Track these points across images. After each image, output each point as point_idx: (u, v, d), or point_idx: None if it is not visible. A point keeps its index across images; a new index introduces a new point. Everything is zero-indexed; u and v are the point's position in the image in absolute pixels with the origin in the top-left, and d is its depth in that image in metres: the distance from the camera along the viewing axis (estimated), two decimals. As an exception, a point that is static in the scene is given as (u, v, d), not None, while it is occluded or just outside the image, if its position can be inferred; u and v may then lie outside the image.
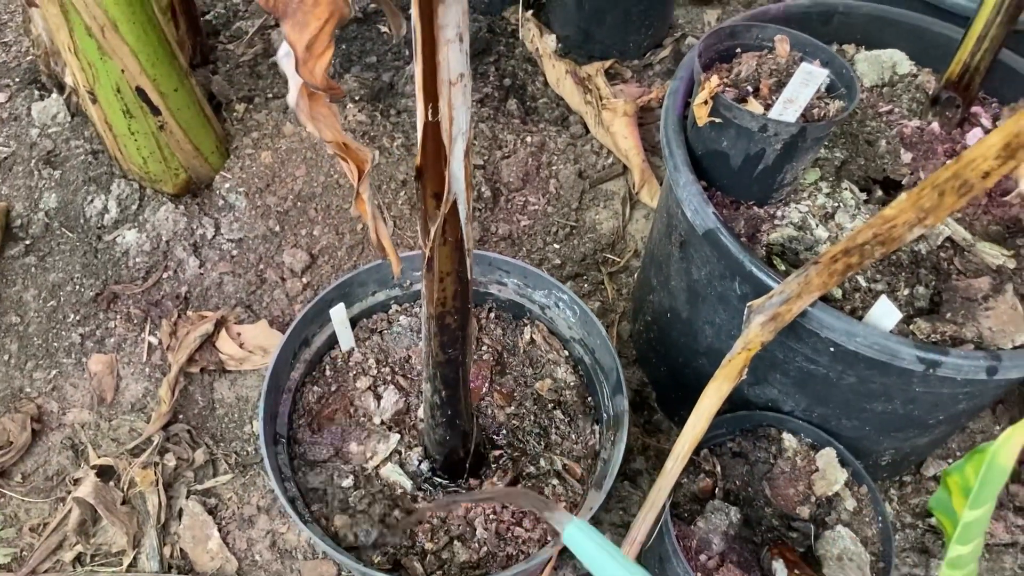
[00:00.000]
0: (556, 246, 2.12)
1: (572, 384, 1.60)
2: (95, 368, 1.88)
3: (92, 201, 2.05)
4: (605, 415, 1.54)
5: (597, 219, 2.18)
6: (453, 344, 1.19)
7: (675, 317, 1.63)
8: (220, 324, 1.93)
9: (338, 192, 2.09)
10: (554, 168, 2.22)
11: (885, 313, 1.24)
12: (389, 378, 1.58)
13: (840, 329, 1.23)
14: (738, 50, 1.49)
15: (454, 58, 0.79)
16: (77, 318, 1.94)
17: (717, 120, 1.38)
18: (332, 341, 1.60)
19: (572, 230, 2.15)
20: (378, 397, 1.56)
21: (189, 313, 1.97)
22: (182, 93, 1.95)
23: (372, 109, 2.25)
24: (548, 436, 1.54)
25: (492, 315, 1.68)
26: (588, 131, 2.31)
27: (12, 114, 2.22)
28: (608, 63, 2.44)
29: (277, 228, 2.06)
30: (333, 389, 1.57)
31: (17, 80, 2.32)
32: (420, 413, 1.54)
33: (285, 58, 0.70)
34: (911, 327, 1.28)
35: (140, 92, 1.86)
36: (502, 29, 2.52)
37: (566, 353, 1.63)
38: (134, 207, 2.06)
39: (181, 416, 1.83)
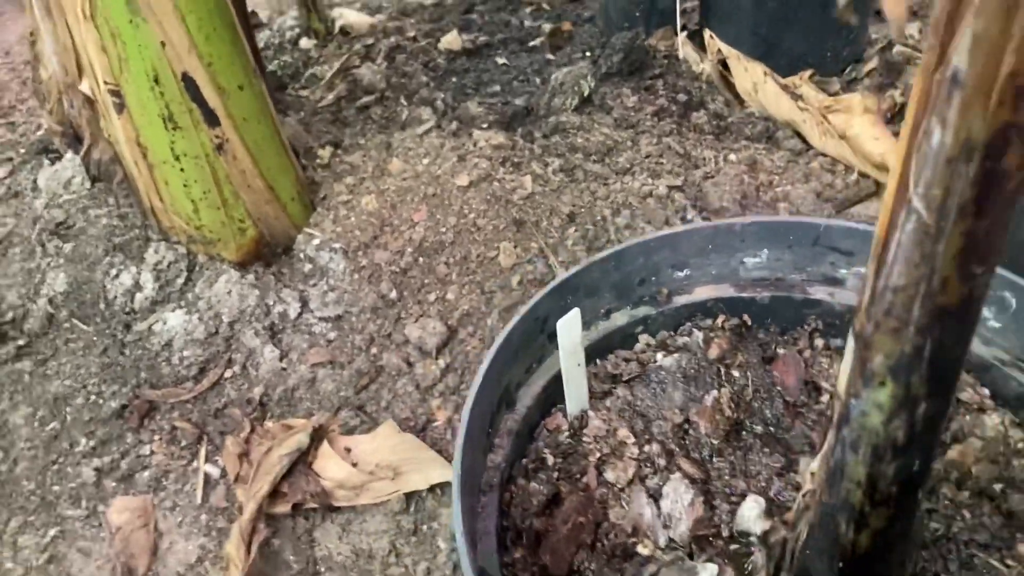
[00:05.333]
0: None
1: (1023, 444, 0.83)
2: (118, 520, 1.13)
3: (118, 277, 1.38)
4: None
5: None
6: (991, 246, 0.46)
7: None
8: (318, 436, 1.20)
9: (477, 236, 1.40)
10: (779, 189, 1.53)
11: None
12: (663, 462, 0.83)
13: None
14: None
15: None
16: (91, 444, 1.21)
17: None
18: (546, 400, 0.87)
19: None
20: (654, 498, 0.80)
21: (268, 424, 1.24)
22: (250, 95, 1.31)
23: (510, 134, 1.60)
24: (1015, 552, 0.76)
25: (820, 343, 0.93)
26: (810, 146, 1.64)
27: (12, 190, 1.60)
28: (807, 74, 1.80)
29: (393, 295, 1.36)
30: (567, 489, 0.81)
31: (23, 151, 1.72)
32: (746, 517, 0.77)
33: None
34: None
35: (188, 83, 1.22)
36: (652, 54, 1.91)
37: (986, 391, 0.87)
38: (179, 280, 1.38)
39: (264, 589, 1.06)
